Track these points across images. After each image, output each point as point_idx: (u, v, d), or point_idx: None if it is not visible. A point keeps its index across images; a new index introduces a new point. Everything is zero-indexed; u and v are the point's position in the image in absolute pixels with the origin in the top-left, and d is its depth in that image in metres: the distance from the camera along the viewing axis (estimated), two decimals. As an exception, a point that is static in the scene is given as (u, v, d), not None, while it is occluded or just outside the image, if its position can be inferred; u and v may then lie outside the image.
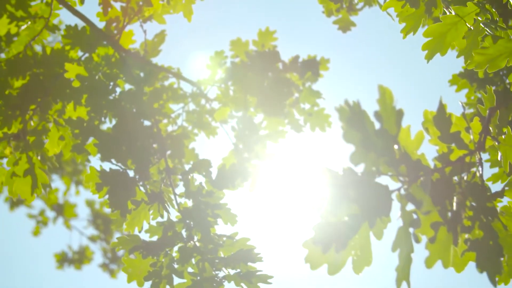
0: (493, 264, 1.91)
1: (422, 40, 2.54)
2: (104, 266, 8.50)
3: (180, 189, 3.10)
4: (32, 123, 3.35)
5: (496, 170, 3.14)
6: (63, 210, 8.62)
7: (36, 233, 8.61)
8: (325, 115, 4.25)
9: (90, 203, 8.63)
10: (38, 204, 8.83)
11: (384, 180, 1.85)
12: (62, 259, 8.42)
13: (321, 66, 4.21)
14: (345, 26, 4.25)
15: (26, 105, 3.32)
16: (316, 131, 4.28)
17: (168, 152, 3.31)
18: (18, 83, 3.39)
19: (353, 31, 4.26)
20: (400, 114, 1.74)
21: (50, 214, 8.64)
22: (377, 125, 1.73)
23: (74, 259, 8.45)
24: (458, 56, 2.54)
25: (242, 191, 3.86)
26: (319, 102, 4.23)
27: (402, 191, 1.85)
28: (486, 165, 3.30)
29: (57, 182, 8.78)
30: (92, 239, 8.60)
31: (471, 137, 2.07)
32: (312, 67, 4.17)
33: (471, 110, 3.94)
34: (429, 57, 2.50)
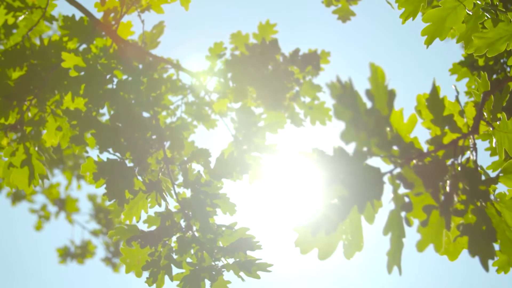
0: (486, 248, 1.89)
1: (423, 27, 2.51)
2: (106, 260, 8.50)
3: (180, 182, 3.08)
4: (29, 114, 3.34)
5: (496, 158, 3.11)
6: (65, 205, 8.62)
7: (38, 227, 8.61)
8: (325, 109, 4.22)
9: (92, 198, 8.62)
10: (40, 198, 8.84)
11: (376, 162, 1.83)
12: (65, 254, 8.43)
13: (322, 60, 4.18)
14: (344, 15, 4.21)
15: (24, 96, 3.30)
16: (316, 125, 4.26)
17: (167, 144, 3.29)
18: (15, 74, 3.38)
19: (353, 20, 4.22)
20: (392, 94, 1.72)
21: (52, 208, 8.64)
22: (368, 105, 1.70)
23: (77, 253, 8.44)
24: (458, 41, 2.52)
25: (244, 184, 3.84)
26: (319, 96, 4.21)
27: (395, 173, 1.83)
28: (487, 154, 3.28)
29: (59, 177, 8.77)
30: (95, 233, 8.59)
31: (465, 120, 2.05)
32: (312, 61, 4.14)
33: (472, 99, 3.90)
34: (428, 42, 2.47)
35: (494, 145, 2.21)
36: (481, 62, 3.40)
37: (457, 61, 3.66)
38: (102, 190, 3.00)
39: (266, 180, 3.86)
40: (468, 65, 3.65)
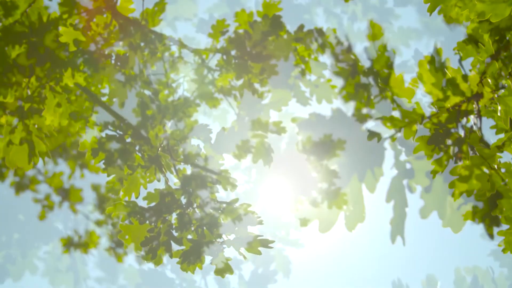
0: (491, 215, 1.85)
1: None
2: (110, 250, 8.48)
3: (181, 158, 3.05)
4: (28, 91, 3.30)
5: (501, 136, 3.06)
6: (69, 194, 8.61)
7: (42, 217, 8.60)
8: (331, 87, 4.16)
9: (96, 188, 8.60)
10: (43, 188, 8.81)
11: (377, 129, 1.79)
12: (68, 243, 8.41)
13: (327, 36, 4.12)
14: (347, -5, 4.15)
15: (23, 74, 3.27)
16: (322, 103, 4.20)
17: (170, 123, 3.25)
18: (14, 51, 3.34)
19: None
20: (391, 54, 1.67)
21: (56, 198, 8.63)
22: (367, 64, 1.66)
23: (80, 243, 8.43)
24: (462, 10, 2.47)
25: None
26: (325, 74, 4.15)
27: (396, 137, 1.79)
28: (492, 132, 3.23)
29: (62, 166, 8.77)
30: (98, 223, 8.57)
31: (468, 83, 2.01)
32: (318, 38, 4.09)
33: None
34: (431, 10, 2.43)
35: (499, 114, 2.16)
36: (486, 37, 3.35)
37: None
38: (106, 179, 2.96)
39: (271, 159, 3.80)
40: (473, 42, 3.60)
